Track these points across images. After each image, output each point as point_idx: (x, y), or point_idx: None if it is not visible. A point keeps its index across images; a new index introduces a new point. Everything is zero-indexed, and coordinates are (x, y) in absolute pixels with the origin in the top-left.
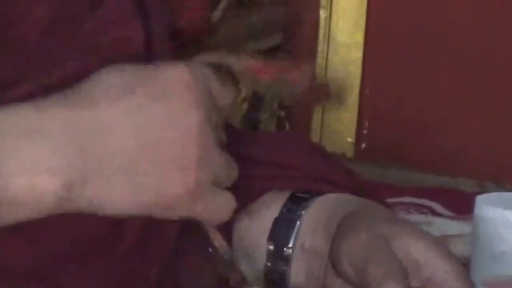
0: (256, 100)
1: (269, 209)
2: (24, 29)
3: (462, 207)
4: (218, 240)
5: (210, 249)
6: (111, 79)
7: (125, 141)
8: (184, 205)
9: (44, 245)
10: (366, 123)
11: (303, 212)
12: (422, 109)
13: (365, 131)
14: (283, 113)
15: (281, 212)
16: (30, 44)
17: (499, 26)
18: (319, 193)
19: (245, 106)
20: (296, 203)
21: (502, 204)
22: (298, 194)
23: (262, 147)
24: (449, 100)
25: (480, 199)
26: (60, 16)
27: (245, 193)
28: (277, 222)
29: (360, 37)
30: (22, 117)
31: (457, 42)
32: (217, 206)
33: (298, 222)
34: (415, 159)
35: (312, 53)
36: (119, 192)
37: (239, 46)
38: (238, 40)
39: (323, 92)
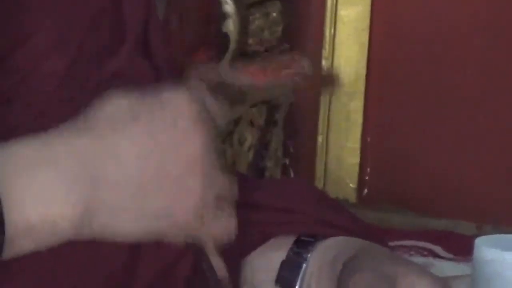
0: (261, 149)
1: (277, 252)
2: (39, 82)
3: (462, 249)
4: (220, 268)
5: (208, 274)
6: (116, 107)
7: (132, 168)
8: (190, 227)
9: None
10: (368, 170)
11: (308, 255)
12: (422, 156)
13: (367, 177)
14: (287, 161)
15: (287, 255)
16: (45, 94)
17: (499, 72)
18: (324, 237)
19: (250, 154)
20: (302, 246)
21: (500, 246)
22: (303, 238)
23: (269, 193)
24: (448, 148)
25: (479, 242)
26: (75, 67)
27: (253, 237)
28: (284, 265)
29: (361, 86)
30: (33, 148)
31: (456, 91)
32: (221, 226)
33: (304, 265)
34: (416, 203)
35: (315, 102)
36: (128, 218)
37: (246, 96)
38: (244, 91)
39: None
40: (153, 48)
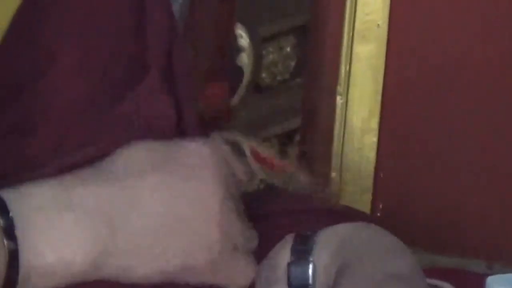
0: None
1: (281, 255)
2: (61, 109)
3: (472, 287)
4: None
5: None
6: (137, 155)
7: (151, 217)
8: (207, 273)
9: None
10: (380, 206)
11: (312, 250)
12: (433, 193)
13: (379, 214)
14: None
15: (292, 255)
16: (64, 122)
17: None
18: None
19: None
20: (303, 243)
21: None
22: (303, 233)
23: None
24: (459, 186)
25: (491, 280)
26: (97, 95)
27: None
28: (291, 266)
29: (374, 123)
30: (53, 192)
31: (470, 129)
32: (238, 272)
33: (311, 259)
34: (426, 240)
35: (328, 136)
36: (144, 263)
37: (258, 130)
38: (256, 123)
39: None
40: (176, 78)
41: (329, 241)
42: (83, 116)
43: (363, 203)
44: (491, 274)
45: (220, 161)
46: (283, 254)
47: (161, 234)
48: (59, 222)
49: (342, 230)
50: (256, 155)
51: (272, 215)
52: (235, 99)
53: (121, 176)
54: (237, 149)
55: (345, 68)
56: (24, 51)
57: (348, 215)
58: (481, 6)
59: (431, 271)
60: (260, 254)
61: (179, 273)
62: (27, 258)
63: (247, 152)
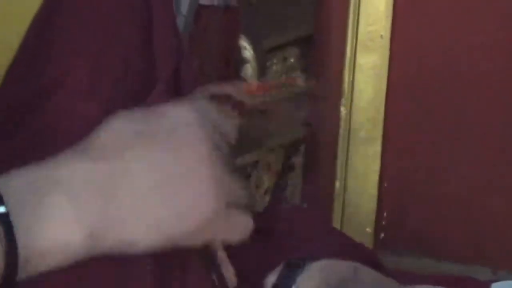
0: (278, 192)
1: (269, 278)
2: (72, 125)
3: None
4: (230, 276)
5: (215, 278)
6: (122, 128)
7: (142, 185)
8: (205, 230)
9: None
10: (385, 214)
11: (297, 278)
12: (438, 201)
13: (383, 222)
14: (305, 205)
15: (278, 279)
16: (74, 140)
17: None
18: (312, 259)
19: (267, 198)
20: (291, 269)
21: None
22: (292, 261)
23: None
24: (464, 194)
25: (495, 287)
26: (107, 111)
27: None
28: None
29: (378, 133)
30: (42, 174)
31: (475, 137)
32: (236, 226)
33: (293, 287)
34: (432, 248)
35: (333, 146)
36: (142, 232)
37: (263, 140)
38: (261, 134)
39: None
40: (183, 94)
41: (314, 274)
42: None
43: (368, 212)
44: (496, 281)
45: (205, 123)
46: (271, 277)
47: (153, 202)
48: (50, 202)
49: (331, 266)
50: (249, 91)
51: (277, 234)
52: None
53: (108, 150)
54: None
55: (349, 79)
56: (35, 70)
57: (349, 243)
58: (483, 17)
59: (436, 278)
60: (261, 272)
61: (177, 239)
62: (23, 241)
63: (233, 93)
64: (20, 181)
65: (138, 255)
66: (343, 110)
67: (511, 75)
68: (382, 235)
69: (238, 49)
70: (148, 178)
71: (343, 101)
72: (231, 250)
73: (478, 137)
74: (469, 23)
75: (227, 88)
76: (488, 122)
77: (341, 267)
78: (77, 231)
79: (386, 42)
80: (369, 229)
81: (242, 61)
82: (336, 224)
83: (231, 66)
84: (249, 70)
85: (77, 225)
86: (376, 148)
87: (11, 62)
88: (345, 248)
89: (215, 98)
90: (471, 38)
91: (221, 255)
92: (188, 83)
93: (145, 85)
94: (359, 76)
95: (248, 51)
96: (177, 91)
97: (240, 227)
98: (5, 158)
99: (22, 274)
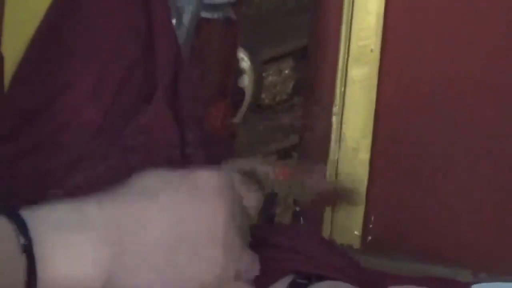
0: (272, 196)
1: None
2: (75, 131)
3: None
4: None
5: None
6: (151, 180)
7: (160, 235)
8: None
9: None
10: (372, 218)
11: None
12: (423, 207)
13: (371, 226)
14: (298, 209)
15: None
16: (78, 142)
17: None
18: (318, 279)
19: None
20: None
21: None
22: (298, 281)
23: (283, 236)
24: (447, 204)
25: None
26: (109, 118)
27: (267, 275)
28: None
29: (368, 141)
30: (66, 212)
31: (458, 152)
32: None
33: None
34: (415, 251)
35: (324, 154)
36: (154, 279)
37: (259, 147)
38: (257, 141)
39: (334, 196)
40: (181, 100)
41: None
42: (96, 136)
43: (356, 216)
44: (477, 283)
45: (228, 189)
46: None
47: (168, 253)
48: (72, 241)
49: (333, 285)
50: (277, 173)
51: (277, 247)
52: (237, 118)
53: (134, 197)
54: (253, 176)
55: (340, 90)
56: (43, 77)
57: (350, 263)
58: (473, 33)
59: (420, 280)
60: (259, 282)
61: None
62: (43, 272)
63: (259, 171)
64: (46, 215)
65: None
66: (334, 119)
67: (500, 91)
68: (370, 238)
69: (236, 60)
70: (166, 230)
71: (334, 110)
72: None
73: (465, 145)
74: (458, 38)
75: (255, 165)
76: (476, 130)
77: None
78: (95, 270)
79: (376, 56)
80: (357, 232)
81: (240, 71)
82: (327, 227)
83: (230, 76)
84: (246, 80)
85: (95, 265)
86: (365, 156)
87: (17, 67)
88: (347, 268)
89: (243, 172)
90: (459, 53)
91: None
92: (187, 92)
93: (145, 92)
94: (350, 88)
95: (245, 62)
96: (175, 99)
97: None
98: (12, 158)
99: None
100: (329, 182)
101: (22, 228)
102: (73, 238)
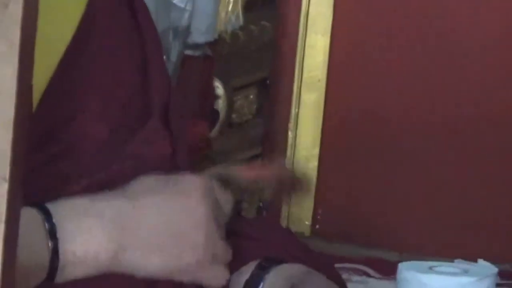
0: (240, 197)
1: (244, 274)
2: (86, 145)
3: (388, 271)
4: None
5: None
6: (147, 182)
7: (155, 225)
8: (193, 271)
9: None
10: (320, 211)
11: (265, 276)
12: (362, 201)
13: (319, 216)
14: (261, 204)
15: (250, 275)
16: (89, 154)
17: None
18: (279, 263)
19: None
20: (262, 269)
21: (418, 270)
22: (263, 263)
23: (250, 227)
24: (382, 199)
25: (402, 266)
26: (114, 135)
27: (238, 259)
28: (247, 283)
29: (316, 151)
30: (83, 206)
31: (395, 162)
32: (215, 275)
33: (262, 283)
34: (354, 236)
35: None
36: (149, 259)
37: (230, 156)
38: (229, 151)
39: (291, 183)
40: (171, 121)
41: (279, 274)
42: (103, 149)
43: (307, 209)
44: (402, 261)
45: (208, 189)
46: (245, 274)
47: (162, 237)
48: (86, 225)
49: (291, 269)
50: (245, 172)
51: (245, 237)
52: (213, 133)
53: (134, 195)
54: (226, 180)
55: (295, 111)
56: (63, 102)
57: (306, 249)
58: (407, 62)
59: (358, 259)
60: (231, 266)
61: (174, 270)
62: (63, 252)
63: (237, 176)
64: (66, 205)
65: (140, 280)
66: (290, 134)
67: (439, 115)
68: (317, 226)
69: (213, 88)
70: (159, 220)
71: (290, 126)
72: None
73: (401, 150)
74: (395, 70)
75: (230, 172)
76: (407, 139)
77: (298, 270)
78: (104, 246)
79: (322, 84)
80: (307, 222)
81: (216, 96)
82: (284, 218)
83: (207, 101)
84: (220, 103)
85: (106, 242)
86: (314, 163)
87: (42, 94)
88: (301, 252)
89: (218, 177)
90: (397, 83)
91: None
92: (175, 114)
93: (144, 113)
94: (302, 110)
95: (220, 89)
96: (167, 119)
97: (217, 277)
98: (37, 166)
99: (58, 279)
100: (287, 169)
101: (48, 216)
102: (87, 223)
